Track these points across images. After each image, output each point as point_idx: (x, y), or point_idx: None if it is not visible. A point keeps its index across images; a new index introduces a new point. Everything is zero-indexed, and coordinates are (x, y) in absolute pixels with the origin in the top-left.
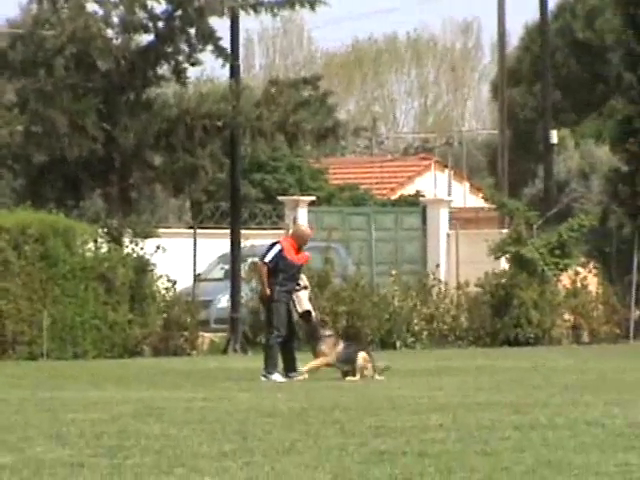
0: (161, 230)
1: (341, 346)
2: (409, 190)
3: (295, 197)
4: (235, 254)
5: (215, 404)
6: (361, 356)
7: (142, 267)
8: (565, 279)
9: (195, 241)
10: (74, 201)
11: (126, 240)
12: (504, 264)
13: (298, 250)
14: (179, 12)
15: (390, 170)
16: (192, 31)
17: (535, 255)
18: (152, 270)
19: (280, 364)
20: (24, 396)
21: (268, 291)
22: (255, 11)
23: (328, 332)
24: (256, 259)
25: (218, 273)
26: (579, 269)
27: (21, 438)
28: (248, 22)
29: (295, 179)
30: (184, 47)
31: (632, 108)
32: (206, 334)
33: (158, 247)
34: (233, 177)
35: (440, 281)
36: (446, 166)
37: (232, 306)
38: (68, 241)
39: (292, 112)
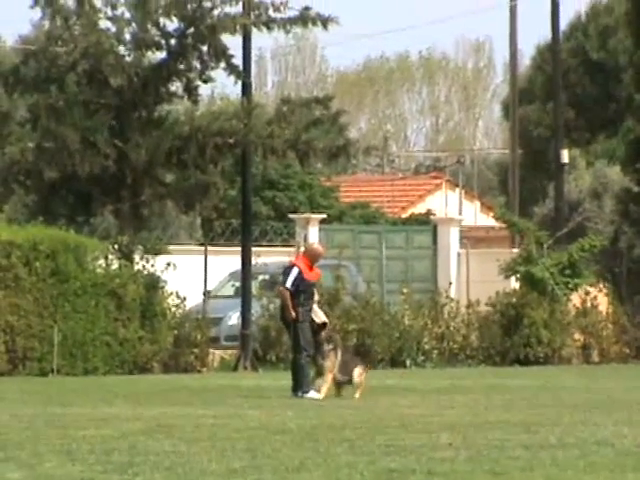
0: (172, 247)
1: (339, 356)
2: (420, 209)
3: (306, 215)
4: (246, 271)
5: (225, 421)
6: (356, 371)
7: (153, 284)
8: (575, 299)
9: (206, 258)
10: (85, 217)
11: (137, 257)
12: (514, 283)
13: (311, 268)
14: (191, 29)
15: (401, 189)
16: (204, 48)
17: (545, 274)
18: (163, 287)
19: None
20: (34, 412)
21: (294, 314)
22: (268, 28)
23: (329, 346)
24: (267, 276)
25: (229, 290)
26: (589, 289)
27: (31, 454)
28: (261, 39)
29: (306, 197)
30: (196, 64)
31: None
32: (216, 351)
33: (169, 264)
34: (244, 194)
35: (452, 300)
36: (457, 185)
37: (242, 323)
38: (79, 257)
39: (304, 130)
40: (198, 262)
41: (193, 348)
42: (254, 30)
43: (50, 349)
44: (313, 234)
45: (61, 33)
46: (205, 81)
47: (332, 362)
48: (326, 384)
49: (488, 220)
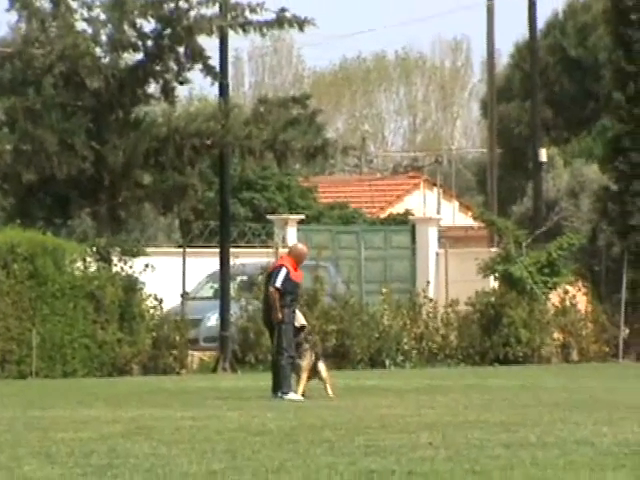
0: (150, 249)
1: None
2: (398, 209)
3: (284, 216)
4: (224, 272)
5: (204, 423)
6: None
7: (131, 286)
8: (554, 298)
9: (184, 260)
10: (63, 220)
11: (115, 259)
12: (493, 283)
13: (296, 268)
14: (168, 31)
15: (379, 189)
16: (181, 50)
17: (524, 274)
18: (141, 289)
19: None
20: (13, 415)
21: (280, 315)
22: (244, 30)
23: (305, 346)
24: (245, 278)
25: (207, 292)
26: (568, 288)
27: (10, 457)
28: (237, 41)
29: (284, 198)
30: (173, 66)
31: (621, 127)
32: (195, 353)
33: (147, 266)
34: (222, 196)
35: (430, 299)
36: (435, 184)
37: (221, 325)
38: (57, 260)
39: (281, 131)
40: (176, 264)
41: (172, 350)
42: (231, 32)
43: (29, 352)
44: (291, 235)
45: (37, 35)
46: (182, 82)
47: (308, 361)
48: (302, 384)
49: (466, 220)
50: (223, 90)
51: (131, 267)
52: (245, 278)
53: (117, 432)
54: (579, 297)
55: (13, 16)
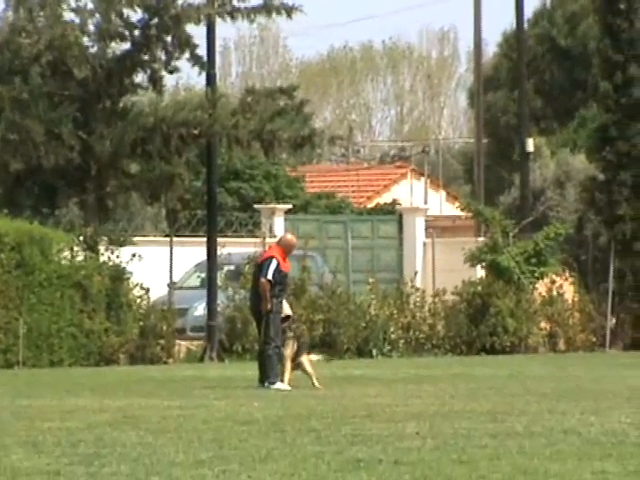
0: (137, 238)
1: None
2: (385, 198)
3: (271, 205)
4: (211, 262)
5: (191, 412)
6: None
7: (118, 275)
8: (541, 287)
9: (171, 249)
10: (50, 209)
11: (102, 248)
12: (480, 272)
13: (285, 259)
14: (155, 20)
15: (366, 178)
16: (168, 39)
17: (511, 263)
18: (128, 278)
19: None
20: (0, 404)
21: (269, 306)
22: (232, 18)
23: (289, 334)
24: (232, 267)
25: (194, 281)
26: (555, 277)
27: None
28: (225, 30)
29: (271, 187)
30: (160, 55)
31: (608, 117)
32: (182, 342)
33: (134, 255)
34: (209, 185)
35: (418, 289)
36: (422, 174)
37: (208, 314)
38: (44, 249)
39: (268, 120)
40: (163, 253)
41: (159, 339)
42: (218, 20)
43: (15, 341)
44: (279, 224)
45: (25, 25)
46: (172, 71)
47: (291, 350)
48: (287, 373)
49: (454, 209)
50: (210, 80)
51: (118, 257)
52: (232, 268)
53: (104, 421)
54: (566, 287)
55: (0, 5)
